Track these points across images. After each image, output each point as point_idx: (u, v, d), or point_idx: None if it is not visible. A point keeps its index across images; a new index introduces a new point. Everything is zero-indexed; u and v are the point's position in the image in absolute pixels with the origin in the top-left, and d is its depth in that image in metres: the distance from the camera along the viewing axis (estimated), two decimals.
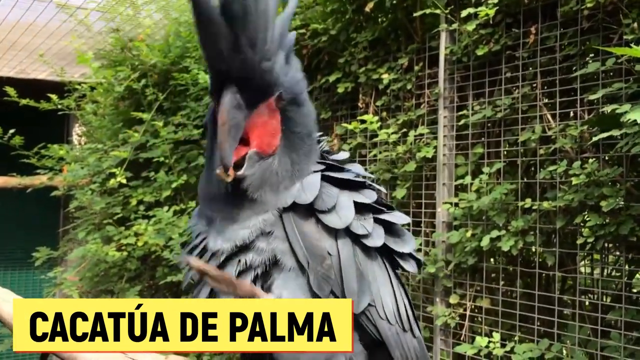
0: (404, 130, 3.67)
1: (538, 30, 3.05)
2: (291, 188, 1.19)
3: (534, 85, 3.10)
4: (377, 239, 1.21)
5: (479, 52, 3.23)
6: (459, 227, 3.36)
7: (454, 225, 3.41)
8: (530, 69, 3.13)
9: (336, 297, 1.14)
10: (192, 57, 5.29)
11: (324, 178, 1.22)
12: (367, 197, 1.25)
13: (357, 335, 1.18)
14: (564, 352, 2.93)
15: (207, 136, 1.26)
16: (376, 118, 3.65)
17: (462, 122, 3.41)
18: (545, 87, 3.08)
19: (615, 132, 2.42)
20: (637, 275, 2.91)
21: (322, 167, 1.25)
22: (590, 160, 2.77)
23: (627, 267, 2.82)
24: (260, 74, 1.11)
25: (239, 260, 1.14)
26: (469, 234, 3.26)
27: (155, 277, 5.68)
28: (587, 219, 2.77)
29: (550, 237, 3.05)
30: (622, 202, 2.63)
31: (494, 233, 3.10)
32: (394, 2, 3.68)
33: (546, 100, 3.07)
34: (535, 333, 3.04)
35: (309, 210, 1.18)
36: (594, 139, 2.55)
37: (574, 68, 2.91)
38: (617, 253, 2.94)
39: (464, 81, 3.48)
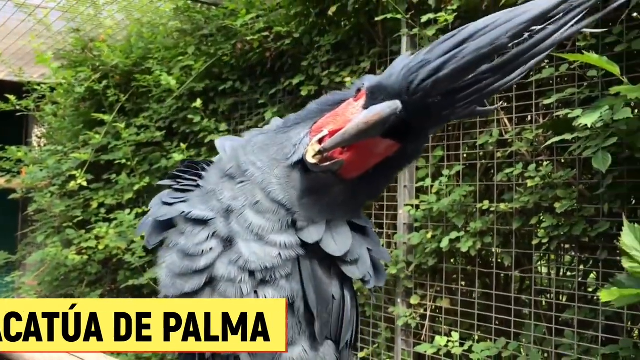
0: None
1: None
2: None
3: None
4: (373, 281, 1.17)
5: None
6: (419, 229, 3.41)
7: (415, 227, 3.45)
8: None
9: (329, 338, 1.13)
10: (154, 59, 5.25)
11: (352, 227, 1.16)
12: (374, 241, 1.22)
13: None
14: (521, 350, 2.99)
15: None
16: None
17: None
18: (503, 92, 3.15)
19: (568, 136, 2.49)
20: (592, 275, 2.99)
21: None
22: (545, 163, 2.84)
23: (581, 267, 2.90)
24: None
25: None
26: (429, 236, 3.31)
27: (116, 280, 5.60)
28: (542, 220, 2.84)
29: (508, 238, 3.11)
30: (575, 204, 2.71)
31: (454, 234, 3.15)
32: (356, 6, 3.72)
33: (503, 105, 3.13)
34: (493, 332, 3.10)
35: (328, 256, 1.11)
36: (548, 142, 2.62)
37: (530, 73, 2.98)
38: (572, 254, 3.02)
39: None
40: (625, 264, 2.15)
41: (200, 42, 5.07)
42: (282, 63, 4.32)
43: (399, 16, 3.39)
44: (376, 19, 3.58)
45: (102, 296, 5.55)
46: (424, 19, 3.24)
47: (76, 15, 5.87)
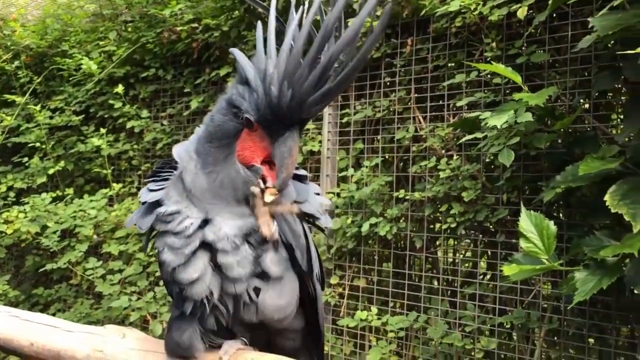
0: None
1: (413, 42, 3.48)
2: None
3: (409, 90, 3.52)
4: (326, 220, 1.50)
5: None
6: (340, 215, 3.71)
7: (336, 213, 3.76)
8: (406, 76, 3.54)
9: (301, 268, 1.42)
10: (71, 41, 5.18)
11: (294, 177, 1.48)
12: (316, 188, 1.55)
13: (299, 290, 1.46)
14: (429, 322, 3.38)
15: (215, 144, 1.39)
16: None
17: (345, 120, 3.77)
18: (418, 93, 3.51)
19: (479, 135, 2.87)
20: (484, 259, 3.43)
21: None
22: (455, 157, 3.24)
23: (481, 248, 3.32)
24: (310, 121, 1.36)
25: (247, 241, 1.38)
26: (349, 221, 3.62)
27: (22, 266, 5.48)
28: (451, 207, 3.23)
29: (420, 223, 3.49)
30: (479, 194, 3.12)
31: (372, 220, 3.49)
32: (284, 4, 3.94)
33: (419, 104, 3.50)
34: (405, 307, 3.47)
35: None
36: (463, 139, 2.99)
37: (445, 76, 3.35)
38: (475, 237, 3.44)
39: None
40: (523, 244, 2.55)
41: (122, 27, 5.08)
42: (210, 54, 4.46)
43: None
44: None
45: (9, 282, 5.40)
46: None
47: None
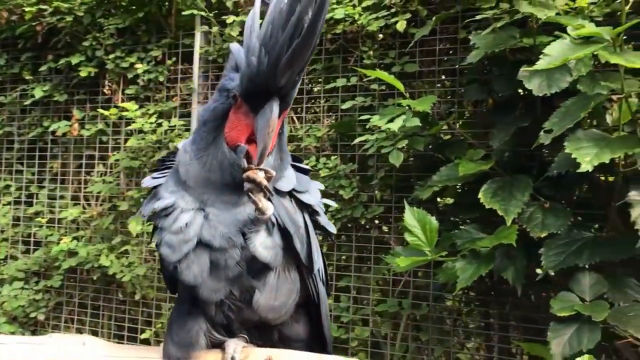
0: (160, 120, 3.80)
1: None
2: (278, 176, 1.44)
3: None
4: (324, 217, 1.53)
5: None
6: None
7: None
8: None
9: (300, 259, 1.42)
10: None
11: (297, 169, 1.53)
12: (319, 185, 1.57)
13: (301, 293, 1.47)
14: None
15: (206, 128, 1.39)
16: (136, 107, 3.70)
17: None
18: (298, 95, 3.61)
19: (369, 137, 3.05)
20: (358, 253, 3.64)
21: (291, 161, 1.54)
22: (332, 158, 3.40)
23: (355, 243, 3.51)
24: (294, 92, 1.33)
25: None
26: None
27: None
28: (328, 206, 3.38)
29: None
30: (356, 191, 3.32)
31: None
32: None
33: (294, 105, 3.59)
34: None
35: (287, 193, 1.48)
36: (355, 141, 3.13)
37: (322, 80, 3.49)
38: (350, 232, 3.63)
39: (218, 80, 3.80)
40: (408, 237, 2.78)
41: None
42: (58, 40, 4.08)
43: (202, 13, 3.60)
44: (172, 11, 3.71)
45: None
46: (229, 20, 3.52)
47: None
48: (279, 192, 1.45)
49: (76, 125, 4.05)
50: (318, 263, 1.55)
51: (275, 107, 1.26)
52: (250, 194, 1.30)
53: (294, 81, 1.27)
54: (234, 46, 1.41)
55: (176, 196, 1.39)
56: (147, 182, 1.50)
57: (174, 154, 1.54)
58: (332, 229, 1.61)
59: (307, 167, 1.61)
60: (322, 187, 1.64)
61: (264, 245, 1.37)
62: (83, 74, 3.97)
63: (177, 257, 1.33)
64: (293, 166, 1.53)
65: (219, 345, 1.42)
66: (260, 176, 1.29)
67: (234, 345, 1.40)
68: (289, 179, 1.48)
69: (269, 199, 1.35)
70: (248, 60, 1.26)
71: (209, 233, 1.33)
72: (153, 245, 1.45)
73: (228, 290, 1.36)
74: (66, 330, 4.15)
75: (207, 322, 1.41)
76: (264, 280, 1.39)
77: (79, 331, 4.10)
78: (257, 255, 1.36)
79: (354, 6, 3.25)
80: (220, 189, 1.37)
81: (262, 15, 1.30)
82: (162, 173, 1.51)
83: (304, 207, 1.51)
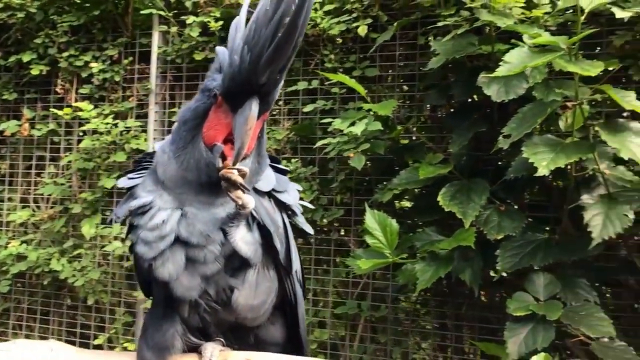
0: (116, 121, 3.72)
1: None
2: (255, 179, 1.43)
3: None
4: (302, 217, 1.54)
5: (197, 57, 3.56)
6: None
7: None
8: None
9: (279, 259, 1.42)
10: None
11: (275, 170, 1.53)
12: (298, 186, 1.59)
13: (278, 294, 1.47)
14: None
15: (186, 127, 1.37)
16: (91, 107, 3.62)
17: (173, 118, 3.67)
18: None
19: (332, 140, 3.07)
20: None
21: (269, 162, 1.53)
22: (293, 160, 3.40)
23: (315, 246, 3.52)
24: (275, 93, 1.31)
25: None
26: None
27: None
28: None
29: None
30: (316, 194, 3.33)
31: None
32: None
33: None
34: None
35: (266, 193, 1.47)
36: (318, 144, 3.14)
37: (293, 84, 3.48)
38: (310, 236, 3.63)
39: (176, 81, 3.75)
40: (368, 240, 2.82)
41: None
42: (8, 36, 3.95)
43: (162, 12, 3.55)
44: (128, 9, 3.64)
45: None
46: (189, 20, 3.48)
47: None
48: (258, 192, 1.45)
49: (26, 125, 3.93)
50: (296, 264, 1.55)
51: (254, 105, 1.25)
52: (228, 192, 1.29)
53: (275, 80, 1.26)
54: (219, 49, 1.41)
55: (154, 195, 1.38)
56: (123, 182, 1.47)
57: (150, 155, 1.52)
58: (310, 230, 1.61)
59: (286, 167, 1.61)
60: (301, 189, 1.65)
61: (244, 240, 1.36)
62: (34, 72, 3.85)
63: (153, 254, 1.31)
64: (272, 166, 1.54)
65: (195, 349, 1.40)
66: (235, 174, 1.29)
67: (211, 349, 1.38)
68: (269, 179, 1.48)
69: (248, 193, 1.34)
70: (231, 60, 1.26)
71: (186, 230, 1.32)
72: (127, 246, 1.43)
73: (203, 289, 1.35)
74: (14, 337, 4.00)
75: (182, 324, 1.39)
76: (242, 278, 1.38)
77: (28, 337, 3.97)
78: (238, 250, 1.35)
79: (316, 10, 3.27)
80: (198, 189, 1.35)
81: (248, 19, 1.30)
82: (138, 174, 1.48)
83: (282, 207, 1.51)
